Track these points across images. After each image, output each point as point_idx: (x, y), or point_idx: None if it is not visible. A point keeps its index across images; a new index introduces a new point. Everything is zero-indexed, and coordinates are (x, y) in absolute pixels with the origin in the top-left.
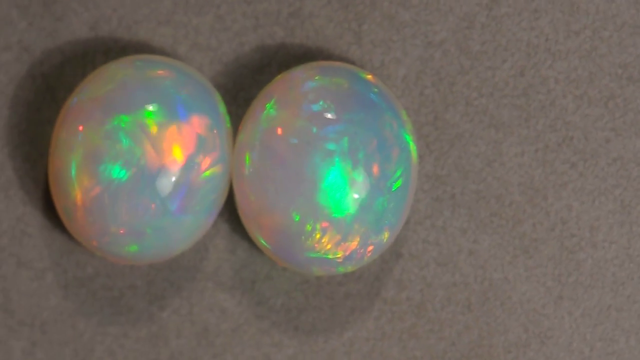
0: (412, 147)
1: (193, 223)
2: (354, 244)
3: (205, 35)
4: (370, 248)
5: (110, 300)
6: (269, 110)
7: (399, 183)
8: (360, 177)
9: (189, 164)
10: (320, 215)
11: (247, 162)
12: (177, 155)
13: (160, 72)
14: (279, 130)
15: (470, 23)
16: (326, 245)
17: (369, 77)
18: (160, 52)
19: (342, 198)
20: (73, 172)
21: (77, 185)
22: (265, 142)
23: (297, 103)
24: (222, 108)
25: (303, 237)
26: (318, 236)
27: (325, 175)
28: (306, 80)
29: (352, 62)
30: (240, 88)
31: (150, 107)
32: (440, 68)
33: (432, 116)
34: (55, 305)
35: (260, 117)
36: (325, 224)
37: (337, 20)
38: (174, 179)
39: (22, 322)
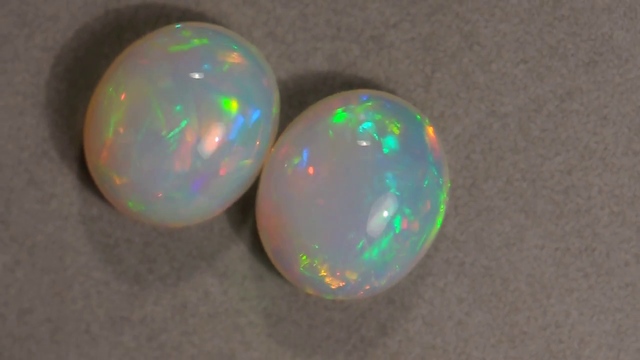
0: (442, 208)
1: (206, 205)
2: (352, 278)
3: (284, 27)
4: (367, 287)
5: (103, 246)
6: (323, 122)
7: (415, 237)
8: (382, 219)
9: (225, 150)
10: (329, 240)
11: (287, 164)
12: (217, 139)
13: (233, 54)
14: (326, 146)
15: (539, 107)
16: (325, 270)
17: (430, 130)
18: (236, 29)
19: (359, 232)
20: (113, 113)
21: (112, 127)
22: (309, 152)
23: (351, 126)
24: (276, 109)
25: (306, 254)
26: (318, 260)
27: (349, 204)
28: (367, 109)
29: (413, 104)
30: (299, 90)
31: (211, 84)
32: (494, 139)
33: (469, 181)
34: (50, 232)
35: (312, 127)
36: (332, 249)
37: (414, 58)
38: (205, 159)
39: (14, 238)
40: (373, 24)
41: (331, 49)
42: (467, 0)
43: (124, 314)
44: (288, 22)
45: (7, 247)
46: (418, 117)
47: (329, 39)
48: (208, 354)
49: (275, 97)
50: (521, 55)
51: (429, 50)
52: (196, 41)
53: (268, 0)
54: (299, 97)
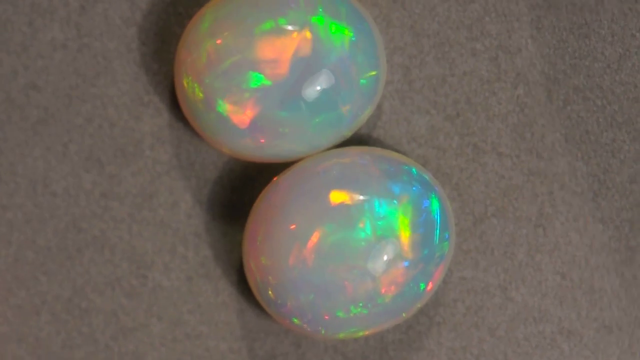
0: (404, 315)
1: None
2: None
3: (421, 74)
4: (317, 328)
5: (136, 97)
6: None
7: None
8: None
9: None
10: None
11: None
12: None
13: (367, 66)
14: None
15: (538, 319)
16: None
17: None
18: (384, 37)
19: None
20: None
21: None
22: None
23: (360, 217)
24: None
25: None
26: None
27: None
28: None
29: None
30: (381, 126)
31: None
32: (485, 310)
33: (438, 319)
34: (107, 50)
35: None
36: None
37: (489, 192)
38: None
39: (81, 29)
40: (487, 137)
41: (438, 123)
42: (569, 189)
43: (103, 158)
44: (427, 73)
45: (67, 29)
46: (446, 246)
47: (445, 115)
48: (131, 247)
49: (366, 115)
50: (558, 304)
51: (505, 197)
52: (344, 30)
53: (429, 42)
54: (375, 131)
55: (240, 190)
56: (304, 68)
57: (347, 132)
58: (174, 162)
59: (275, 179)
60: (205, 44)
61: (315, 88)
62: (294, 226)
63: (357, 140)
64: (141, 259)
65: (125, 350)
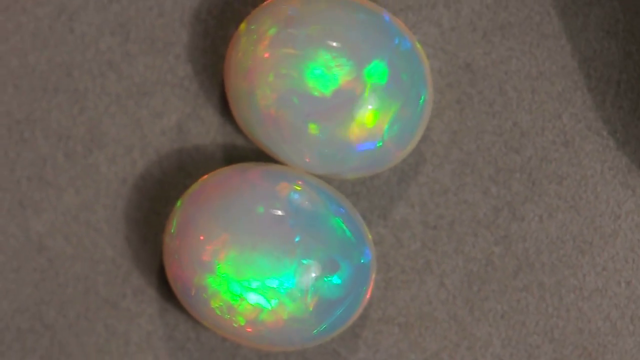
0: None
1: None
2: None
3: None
4: (189, 304)
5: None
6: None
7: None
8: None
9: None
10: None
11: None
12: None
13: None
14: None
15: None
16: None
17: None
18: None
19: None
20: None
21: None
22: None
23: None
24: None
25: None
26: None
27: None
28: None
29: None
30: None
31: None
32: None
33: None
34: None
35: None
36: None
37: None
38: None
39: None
40: (442, 263)
41: (413, 221)
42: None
43: (132, 35)
44: (435, 177)
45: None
46: (342, 323)
47: (423, 220)
48: (98, 120)
49: (371, 172)
50: None
51: (419, 320)
52: (398, 100)
53: (459, 154)
54: (357, 186)
55: (219, 146)
56: (346, 104)
57: (344, 176)
58: (185, 83)
59: (252, 165)
60: (277, 26)
61: (343, 125)
62: (233, 219)
63: (337, 182)
64: (99, 134)
65: (28, 195)
